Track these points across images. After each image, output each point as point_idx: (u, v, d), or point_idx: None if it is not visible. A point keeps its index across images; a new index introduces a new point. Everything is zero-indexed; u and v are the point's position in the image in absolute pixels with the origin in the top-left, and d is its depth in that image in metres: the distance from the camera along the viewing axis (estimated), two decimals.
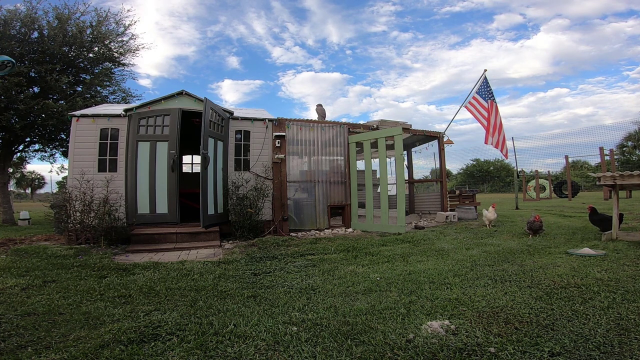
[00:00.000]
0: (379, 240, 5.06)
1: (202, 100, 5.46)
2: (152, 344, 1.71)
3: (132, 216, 5.34)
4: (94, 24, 9.42)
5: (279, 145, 6.38)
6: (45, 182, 43.68)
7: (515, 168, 13.75)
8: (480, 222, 7.01)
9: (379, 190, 6.84)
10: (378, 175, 7.02)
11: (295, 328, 1.88)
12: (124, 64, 10.65)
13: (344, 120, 7.35)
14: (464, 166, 46.76)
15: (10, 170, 12.50)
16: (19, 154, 11.27)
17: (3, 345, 1.69)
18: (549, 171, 16.65)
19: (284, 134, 6.44)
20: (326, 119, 7.58)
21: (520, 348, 1.58)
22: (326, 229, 6.61)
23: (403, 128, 6.82)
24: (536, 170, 16.40)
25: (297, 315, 2.08)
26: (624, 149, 26.58)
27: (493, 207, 6.14)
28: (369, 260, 3.74)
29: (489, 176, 44.98)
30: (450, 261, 3.49)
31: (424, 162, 10.31)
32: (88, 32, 9.36)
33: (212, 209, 5.49)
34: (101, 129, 5.55)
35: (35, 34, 8.69)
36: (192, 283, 2.89)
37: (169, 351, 1.63)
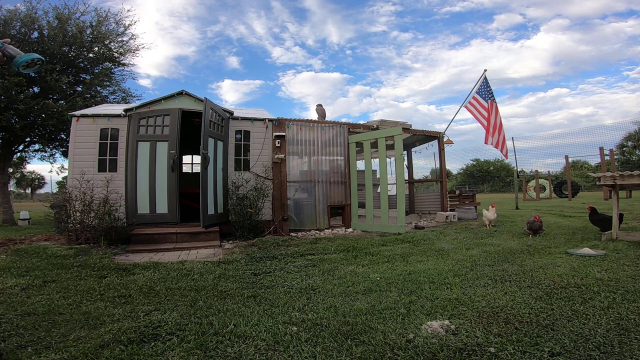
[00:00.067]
0: (379, 240, 5.06)
1: (202, 100, 5.46)
2: (152, 344, 1.71)
3: (132, 216, 5.34)
4: (94, 24, 9.43)
5: (279, 145, 6.38)
6: (45, 182, 43.71)
7: (515, 168, 13.76)
8: (480, 222, 7.01)
9: (379, 190, 6.84)
10: (378, 175, 7.02)
11: (295, 328, 1.88)
12: (124, 64, 10.66)
13: (344, 120, 7.36)
14: (464, 166, 46.80)
15: (10, 170, 12.50)
16: (19, 154, 11.27)
17: (3, 345, 1.69)
18: (549, 171, 16.65)
19: (284, 134, 6.44)
20: (326, 119, 7.58)
21: (520, 348, 1.58)
22: (326, 229, 6.61)
23: (403, 128, 6.82)
24: (536, 170, 16.40)
25: (297, 315, 2.08)
26: (624, 149, 26.59)
27: (493, 207, 6.14)
28: (369, 260, 3.73)
29: (489, 176, 44.99)
30: (450, 261, 3.49)
31: (424, 162, 10.32)
32: (88, 32, 9.36)
33: (212, 209, 5.49)
34: (101, 129, 5.55)
35: (35, 34, 8.70)
36: (192, 283, 2.89)
37: (169, 351, 1.63)
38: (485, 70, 8.82)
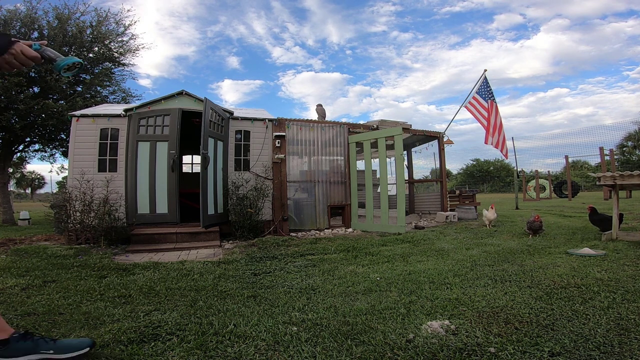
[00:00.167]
0: (379, 240, 5.06)
1: (202, 100, 5.46)
2: (152, 344, 1.71)
3: (132, 216, 5.34)
4: (94, 24, 9.44)
5: (279, 145, 6.38)
6: (45, 182, 43.78)
7: (515, 168, 13.76)
8: (480, 222, 7.01)
9: (379, 190, 6.84)
10: (378, 175, 7.02)
11: (295, 328, 1.88)
12: (124, 64, 10.67)
13: (344, 120, 7.36)
14: (464, 166, 46.85)
15: (10, 170, 12.51)
16: (19, 154, 11.27)
17: None
18: (549, 171, 16.67)
19: (284, 134, 6.44)
20: (326, 119, 7.58)
21: (520, 348, 1.58)
22: (326, 229, 6.61)
23: (403, 128, 6.82)
24: (536, 170, 16.41)
25: (297, 315, 2.08)
26: (624, 149, 26.61)
27: (492, 207, 6.14)
28: (369, 260, 3.73)
29: (489, 176, 45.01)
30: (450, 261, 3.49)
31: (424, 162, 10.32)
32: (88, 32, 9.37)
33: (212, 209, 5.49)
34: (101, 129, 5.55)
35: (35, 34, 8.70)
36: (192, 283, 2.89)
37: (169, 351, 1.63)
38: (485, 70, 8.83)
